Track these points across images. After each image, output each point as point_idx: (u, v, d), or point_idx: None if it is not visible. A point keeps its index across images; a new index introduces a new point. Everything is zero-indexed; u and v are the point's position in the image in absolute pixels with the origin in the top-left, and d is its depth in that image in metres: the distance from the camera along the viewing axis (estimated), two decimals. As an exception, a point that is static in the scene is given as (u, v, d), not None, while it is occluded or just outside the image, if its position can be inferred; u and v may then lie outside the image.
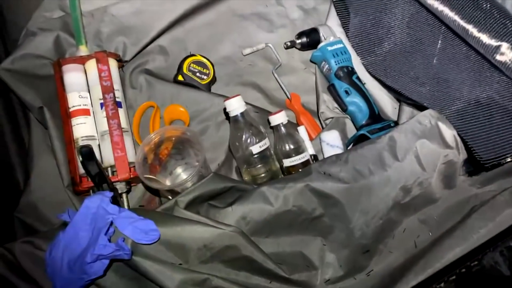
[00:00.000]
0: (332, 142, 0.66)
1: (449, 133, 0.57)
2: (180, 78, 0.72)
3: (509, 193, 0.55)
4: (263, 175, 0.63)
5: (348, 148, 0.68)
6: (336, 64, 0.71)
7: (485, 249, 0.46)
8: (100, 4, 0.73)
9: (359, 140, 0.65)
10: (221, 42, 0.78)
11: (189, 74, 0.72)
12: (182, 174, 0.66)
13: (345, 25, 0.77)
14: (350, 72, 0.71)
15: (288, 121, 0.65)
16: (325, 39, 0.75)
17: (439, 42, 0.73)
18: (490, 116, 0.60)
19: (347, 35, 0.76)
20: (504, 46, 0.61)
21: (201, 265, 0.49)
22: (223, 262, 0.50)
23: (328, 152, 0.66)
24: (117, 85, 0.66)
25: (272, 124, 0.65)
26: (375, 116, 0.69)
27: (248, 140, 0.61)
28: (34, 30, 0.69)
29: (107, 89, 0.64)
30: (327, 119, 0.71)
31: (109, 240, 0.44)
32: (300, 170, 0.60)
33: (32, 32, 0.69)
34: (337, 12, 0.78)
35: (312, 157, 0.66)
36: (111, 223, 0.45)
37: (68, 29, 0.71)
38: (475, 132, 0.59)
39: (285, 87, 0.75)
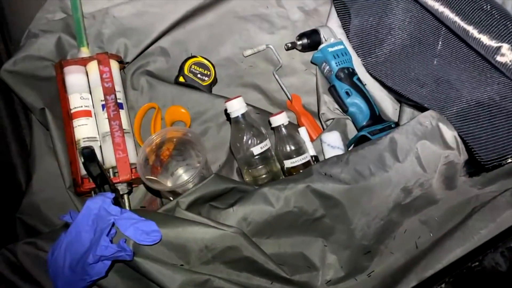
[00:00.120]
0: (333, 143, 0.66)
1: (449, 134, 0.57)
2: (181, 79, 0.72)
3: (510, 194, 0.55)
4: (264, 176, 0.63)
5: (349, 149, 0.68)
6: (336, 65, 0.71)
7: (485, 250, 0.46)
8: (101, 6, 0.73)
9: (360, 141, 0.66)
10: (222, 43, 0.78)
11: (190, 75, 0.72)
12: (183, 175, 0.66)
13: (345, 26, 0.77)
14: (350, 73, 0.71)
15: (289, 122, 0.65)
16: (325, 40, 0.75)
17: (440, 43, 0.73)
18: (490, 117, 0.60)
19: (347, 36, 0.77)
20: (505, 47, 0.61)
21: (203, 266, 0.50)
22: (225, 263, 0.50)
23: (329, 153, 0.66)
24: (118, 87, 0.66)
25: (273, 125, 0.65)
26: (376, 117, 0.69)
27: (249, 141, 0.61)
28: (36, 31, 0.69)
29: (108, 91, 0.64)
30: (327, 120, 0.71)
31: (111, 241, 0.44)
32: (301, 171, 0.61)
33: (34, 34, 0.69)
34: (337, 13, 0.78)
35: (313, 158, 0.66)
36: (113, 224, 0.45)
37: (69, 30, 0.71)
38: (476, 133, 0.59)
39: (286, 88, 0.76)
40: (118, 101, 0.65)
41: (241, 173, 0.66)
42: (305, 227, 0.55)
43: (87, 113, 0.64)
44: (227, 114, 0.64)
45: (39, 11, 0.72)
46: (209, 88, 0.73)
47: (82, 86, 0.66)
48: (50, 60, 0.68)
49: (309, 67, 0.79)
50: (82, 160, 0.50)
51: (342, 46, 0.74)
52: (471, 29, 0.65)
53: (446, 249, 0.52)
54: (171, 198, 0.61)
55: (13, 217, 0.62)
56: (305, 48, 0.77)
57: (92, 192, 0.61)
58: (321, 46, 0.74)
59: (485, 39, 0.63)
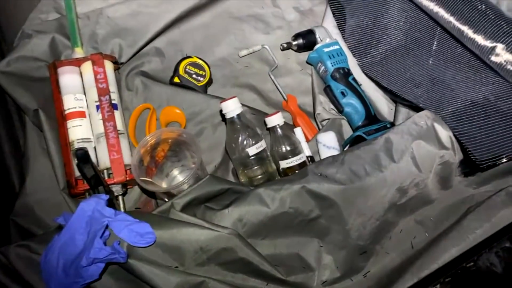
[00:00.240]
0: (329, 144, 0.66)
1: (445, 134, 0.57)
2: (176, 80, 0.72)
3: (505, 193, 0.55)
4: (259, 176, 0.63)
5: (345, 149, 0.68)
6: (332, 66, 0.71)
7: (480, 250, 0.46)
8: (95, 6, 0.73)
9: (355, 141, 0.66)
10: (217, 43, 0.78)
11: (185, 76, 0.72)
12: (178, 176, 0.66)
13: (341, 27, 0.77)
14: (346, 74, 0.71)
15: (285, 122, 0.65)
16: (321, 40, 0.75)
17: (435, 43, 0.74)
18: (485, 117, 0.61)
19: (343, 37, 0.77)
20: (499, 47, 0.61)
21: (197, 268, 0.49)
22: (220, 264, 0.50)
23: (325, 153, 0.66)
24: (113, 87, 0.66)
25: (268, 126, 0.64)
26: (371, 117, 0.69)
27: (245, 142, 0.61)
28: (30, 32, 0.69)
29: (103, 91, 0.64)
30: (323, 120, 0.71)
31: (105, 243, 0.44)
32: (296, 171, 0.60)
33: (28, 34, 0.69)
34: (333, 14, 0.78)
35: (309, 158, 0.66)
36: (107, 226, 0.45)
37: (63, 31, 0.71)
38: (471, 133, 0.59)
39: (281, 89, 0.75)
40: (113, 102, 0.64)
41: (237, 174, 0.66)
42: (301, 227, 0.55)
43: (81, 114, 0.64)
44: (223, 115, 0.64)
45: (32, 11, 0.71)
46: (204, 89, 0.73)
47: (76, 87, 0.65)
48: (44, 61, 0.68)
49: (305, 67, 0.79)
50: (76, 161, 0.50)
51: (337, 46, 0.74)
52: (466, 29, 0.65)
53: (441, 249, 0.52)
54: (166, 199, 0.60)
55: (7, 219, 0.62)
56: (300, 48, 0.77)
57: (87, 193, 0.61)
58: (316, 46, 0.74)
59: (479, 39, 0.63)
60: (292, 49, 0.79)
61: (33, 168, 0.65)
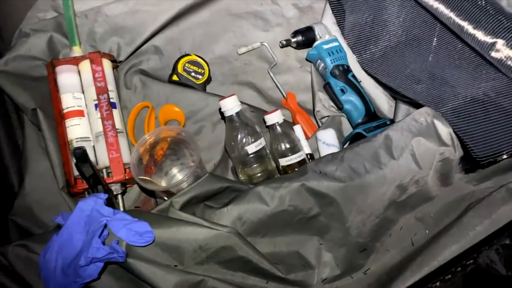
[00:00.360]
0: (328, 141, 0.66)
1: (445, 130, 0.57)
2: (175, 78, 0.71)
3: (505, 190, 0.55)
4: (259, 174, 0.63)
5: (344, 146, 0.68)
6: (331, 63, 0.71)
7: (480, 247, 0.45)
8: (93, 4, 0.73)
9: (355, 138, 0.65)
10: (216, 41, 0.78)
11: (184, 74, 0.71)
12: (177, 174, 0.66)
13: (340, 23, 0.77)
14: (345, 70, 0.71)
15: (284, 120, 0.65)
16: (320, 37, 0.75)
17: (435, 39, 0.73)
18: (486, 113, 0.60)
19: (342, 33, 0.76)
20: (500, 43, 0.61)
21: (197, 267, 0.49)
22: (219, 263, 0.50)
23: (324, 151, 0.65)
24: (111, 86, 0.66)
25: (267, 124, 0.64)
26: (371, 114, 0.68)
27: (244, 140, 0.61)
28: (27, 31, 0.69)
29: (101, 90, 0.64)
30: (323, 117, 0.71)
31: (103, 243, 0.44)
32: (296, 169, 0.60)
33: (25, 33, 0.69)
34: (332, 10, 0.77)
35: (308, 156, 0.66)
36: (105, 226, 0.45)
37: (61, 29, 0.70)
38: (471, 129, 0.58)
39: (280, 86, 0.75)
40: (111, 100, 0.64)
41: (236, 172, 0.65)
42: (300, 225, 0.55)
43: (80, 113, 0.64)
44: (222, 113, 0.64)
45: (30, 10, 0.71)
46: (203, 87, 0.73)
47: (75, 86, 0.65)
48: (42, 60, 0.68)
49: (304, 65, 0.78)
50: (74, 161, 0.50)
51: (337, 43, 0.73)
52: (466, 25, 0.64)
53: (441, 245, 0.51)
54: (166, 198, 0.60)
55: (6, 219, 0.62)
56: (299, 46, 0.77)
57: (86, 192, 0.61)
58: (315, 43, 0.74)
59: (480, 35, 0.63)
60: (291, 46, 0.78)
61: (32, 168, 0.64)
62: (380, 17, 0.76)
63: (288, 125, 0.67)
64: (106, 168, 0.62)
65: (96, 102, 0.63)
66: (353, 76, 0.71)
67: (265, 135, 0.66)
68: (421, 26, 0.74)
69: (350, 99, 0.69)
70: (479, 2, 0.63)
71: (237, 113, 0.61)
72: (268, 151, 0.65)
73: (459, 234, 0.52)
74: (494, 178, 0.57)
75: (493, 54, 0.62)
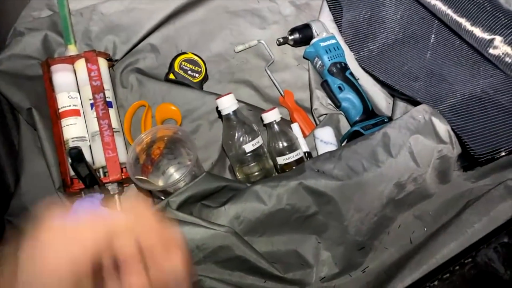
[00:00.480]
0: (326, 139, 0.66)
1: (443, 128, 0.57)
2: (171, 76, 0.71)
3: (503, 187, 0.55)
4: (256, 173, 0.62)
5: (342, 144, 0.67)
6: (329, 60, 0.71)
7: (479, 246, 0.45)
8: (89, 3, 0.72)
9: (353, 136, 0.65)
10: (212, 39, 0.77)
11: (181, 72, 0.71)
12: (174, 174, 0.66)
13: (337, 21, 0.76)
14: (343, 68, 0.71)
15: (282, 118, 0.64)
16: (317, 35, 0.74)
17: (432, 36, 0.73)
18: (484, 110, 0.60)
19: (340, 31, 0.76)
20: (497, 39, 0.61)
21: (194, 266, 0.49)
22: (216, 262, 0.50)
23: (322, 149, 0.65)
24: (107, 85, 0.65)
25: (265, 122, 0.64)
26: (369, 112, 0.68)
27: (241, 139, 0.61)
28: (22, 30, 0.68)
29: (97, 89, 0.63)
30: (320, 115, 0.71)
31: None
32: (294, 167, 0.60)
33: (20, 32, 0.68)
34: (329, 8, 0.77)
35: (306, 154, 0.65)
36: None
37: (56, 28, 0.70)
38: (469, 126, 0.58)
39: (278, 84, 0.75)
40: (107, 99, 0.64)
41: (234, 171, 0.65)
42: (298, 224, 0.55)
43: (76, 112, 0.63)
44: (219, 112, 0.63)
45: (24, 8, 0.70)
46: (200, 85, 0.72)
47: (70, 85, 0.64)
48: (37, 59, 0.67)
49: (301, 62, 0.78)
50: (70, 161, 0.49)
51: (334, 41, 0.73)
52: (463, 21, 0.64)
53: (440, 243, 0.51)
54: (163, 198, 0.60)
55: (2, 219, 0.61)
56: (297, 43, 0.76)
57: (82, 192, 0.60)
58: (313, 41, 0.73)
59: (477, 31, 0.63)
60: (289, 44, 0.78)
61: (27, 168, 0.64)
62: (378, 14, 0.75)
63: (285, 123, 0.67)
64: (103, 167, 0.61)
65: (92, 101, 0.63)
66: (351, 73, 0.71)
67: (263, 134, 0.65)
68: (419, 23, 0.74)
69: (347, 96, 0.69)
70: (477, -1, 0.63)
71: (234, 111, 0.61)
72: (265, 149, 0.64)
73: (458, 231, 0.52)
74: (492, 175, 0.57)
75: (491, 51, 0.62)
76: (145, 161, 0.61)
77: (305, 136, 0.68)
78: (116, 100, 0.69)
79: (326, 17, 0.77)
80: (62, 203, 0.60)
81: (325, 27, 0.75)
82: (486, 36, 0.62)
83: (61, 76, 0.64)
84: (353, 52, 0.74)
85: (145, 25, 0.73)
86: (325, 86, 0.71)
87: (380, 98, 0.72)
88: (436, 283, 0.43)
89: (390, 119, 0.67)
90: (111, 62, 0.71)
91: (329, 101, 0.72)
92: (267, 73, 0.76)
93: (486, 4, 0.62)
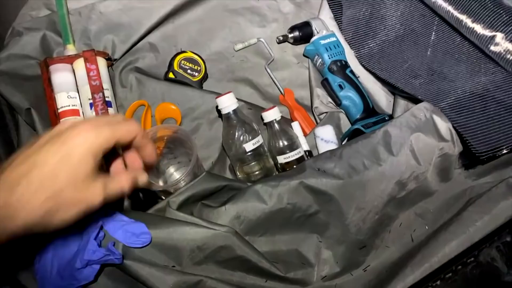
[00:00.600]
0: (327, 137, 0.65)
1: (444, 126, 0.57)
2: (171, 75, 0.71)
3: (505, 184, 0.54)
4: (257, 172, 0.62)
5: (343, 143, 0.67)
6: (329, 58, 0.70)
7: (481, 245, 0.45)
8: (87, 2, 0.71)
9: (353, 134, 0.65)
10: (212, 38, 0.77)
11: (180, 71, 0.71)
12: (174, 173, 0.65)
13: (338, 18, 0.76)
14: (343, 66, 0.70)
15: (282, 117, 0.64)
16: (317, 32, 0.74)
17: (433, 33, 0.72)
18: (485, 108, 0.60)
19: (340, 28, 0.75)
20: (499, 36, 0.60)
21: (195, 267, 0.49)
22: (217, 263, 0.50)
23: (323, 147, 0.65)
24: (106, 85, 0.65)
25: (265, 121, 0.64)
26: (370, 110, 0.68)
27: (241, 138, 0.60)
28: (20, 29, 0.68)
29: (96, 89, 0.63)
30: (321, 114, 0.71)
31: (100, 245, 0.43)
32: (294, 166, 0.60)
33: (18, 32, 0.68)
34: (329, 5, 0.77)
35: (307, 153, 0.65)
36: (101, 227, 0.44)
37: (54, 28, 0.69)
38: (471, 124, 0.58)
39: (278, 83, 0.74)
40: (107, 99, 0.63)
41: (234, 170, 0.65)
42: (299, 223, 0.55)
43: (75, 112, 0.63)
44: (218, 111, 0.63)
45: (22, 8, 0.70)
46: (199, 84, 0.72)
47: (69, 85, 0.64)
48: (35, 59, 0.67)
49: (302, 60, 0.77)
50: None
51: (334, 39, 0.72)
52: (464, 18, 0.64)
53: (441, 242, 0.51)
54: (163, 197, 0.60)
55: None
56: (297, 41, 0.76)
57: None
58: (313, 39, 0.73)
59: (478, 28, 0.62)
60: (289, 42, 0.78)
61: (27, 168, 0.64)
62: (378, 12, 0.75)
63: (286, 122, 0.66)
64: (103, 167, 0.61)
65: (91, 101, 0.62)
66: (351, 71, 0.71)
67: (263, 133, 0.65)
68: (419, 20, 0.74)
69: (348, 94, 0.69)
70: (478, -5, 0.62)
71: (234, 110, 0.61)
72: (266, 148, 0.64)
73: (459, 229, 0.51)
74: (494, 173, 0.57)
75: (492, 48, 0.61)
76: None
77: (305, 134, 0.68)
78: (116, 99, 0.69)
79: (326, 14, 0.77)
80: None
81: (325, 24, 0.75)
82: (487, 33, 0.61)
83: (60, 76, 0.64)
84: (353, 50, 0.73)
85: (144, 24, 0.72)
86: (325, 84, 0.71)
87: (381, 96, 0.72)
88: (438, 282, 0.42)
89: (391, 117, 0.67)
90: (110, 62, 0.70)
91: (330, 99, 0.72)
92: (267, 71, 0.75)
93: (487, 0, 0.61)
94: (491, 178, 0.57)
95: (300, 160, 0.62)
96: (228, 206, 0.52)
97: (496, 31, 0.60)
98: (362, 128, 0.63)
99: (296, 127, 0.67)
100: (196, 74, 0.71)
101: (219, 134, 0.66)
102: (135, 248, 0.46)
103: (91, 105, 0.62)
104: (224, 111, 0.61)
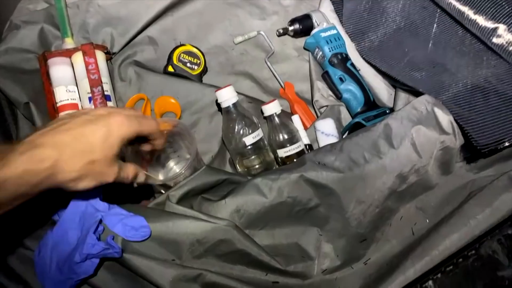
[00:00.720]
0: (327, 131, 0.65)
1: (445, 118, 0.56)
2: (170, 69, 0.70)
3: (506, 177, 0.54)
4: (257, 166, 0.62)
5: (343, 136, 0.67)
6: (330, 51, 0.70)
7: (482, 237, 0.45)
8: (85, -5, 0.71)
9: (354, 128, 0.64)
10: (211, 30, 0.76)
11: (180, 64, 0.70)
12: (174, 167, 0.65)
13: (338, 11, 0.75)
14: (344, 59, 0.70)
15: (282, 110, 0.64)
16: (318, 25, 0.73)
17: (435, 26, 0.72)
18: (487, 100, 0.59)
19: (340, 21, 0.75)
20: (501, 28, 0.60)
21: (195, 260, 0.49)
22: (217, 256, 0.50)
23: (323, 141, 0.64)
24: (105, 78, 0.64)
25: (265, 114, 0.63)
26: (370, 103, 0.67)
27: (241, 131, 0.60)
28: (18, 23, 0.67)
29: (95, 83, 0.62)
30: (321, 107, 0.70)
31: (99, 238, 0.43)
32: (295, 160, 0.59)
33: (16, 25, 0.67)
34: (330, -3, 0.76)
35: (307, 146, 0.65)
36: (101, 221, 0.44)
37: (53, 21, 0.69)
38: (472, 117, 0.57)
39: (278, 76, 0.74)
40: (105, 93, 0.63)
41: (234, 164, 0.65)
42: (300, 217, 0.54)
43: (74, 106, 0.62)
44: (218, 104, 0.62)
45: (20, 1, 0.69)
46: (199, 77, 0.71)
47: (68, 79, 0.64)
48: (33, 52, 0.66)
49: (302, 53, 0.77)
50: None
51: (335, 31, 0.72)
52: (466, 10, 0.63)
53: (442, 235, 0.51)
54: (163, 191, 0.59)
55: None
56: (297, 34, 0.75)
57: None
58: (313, 32, 0.72)
59: (480, 20, 0.61)
60: (289, 35, 0.77)
61: (26, 162, 0.63)
62: (379, 4, 0.74)
63: (286, 115, 0.66)
64: (102, 162, 0.61)
65: (90, 95, 0.62)
66: (352, 64, 0.70)
67: (263, 126, 0.65)
68: (420, 13, 0.73)
69: (349, 88, 0.68)
70: (480, -13, 0.61)
71: (234, 104, 0.60)
72: (266, 142, 0.64)
73: (460, 223, 0.51)
74: (495, 166, 0.57)
75: (494, 40, 0.61)
76: (144, 154, 0.60)
77: (306, 128, 0.68)
78: (115, 93, 0.69)
79: (327, 7, 0.76)
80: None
81: (326, 17, 0.74)
82: (490, 24, 0.61)
83: (59, 69, 0.63)
84: (354, 42, 0.73)
85: (143, 17, 0.72)
86: (326, 77, 0.70)
87: (382, 89, 0.71)
88: (439, 275, 0.42)
89: (392, 110, 0.67)
90: (109, 55, 0.70)
91: (330, 93, 0.71)
92: (267, 64, 0.75)
93: (489, -8, 0.61)
94: (493, 171, 0.56)
95: (300, 153, 0.62)
96: (228, 200, 0.52)
97: (499, 23, 0.60)
98: (362, 121, 0.63)
99: (296, 120, 0.66)
100: (196, 67, 0.71)
101: (219, 128, 0.65)
102: (134, 242, 0.45)
103: (90, 99, 0.62)
104: (223, 105, 0.60)
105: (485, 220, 0.50)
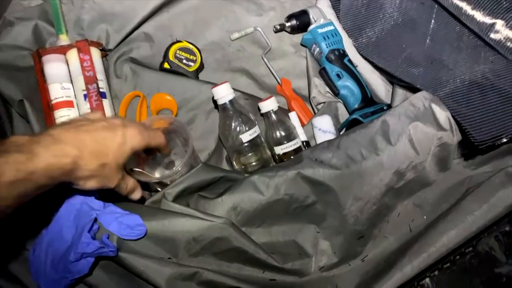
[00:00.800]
0: (324, 128, 0.65)
1: (443, 115, 0.56)
2: (166, 65, 0.69)
3: (504, 174, 0.54)
4: (254, 163, 0.62)
5: (341, 133, 0.66)
6: (327, 47, 0.69)
7: (479, 234, 0.45)
8: (80, -9, 0.70)
9: (351, 124, 0.64)
10: (208, 27, 0.76)
11: (176, 61, 0.70)
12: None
13: (335, 6, 0.75)
14: (341, 55, 0.69)
15: (279, 107, 0.63)
16: (315, 21, 0.73)
17: (432, 21, 0.71)
18: (484, 96, 0.59)
19: (338, 17, 0.74)
20: (499, 23, 0.59)
21: (191, 259, 0.48)
22: (214, 254, 0.49)
23: (320, 137, 0.64)
24: (100, 75, 0.64)
25: (262, 111, 0.63)
26: (368, 99, 0.67)
27: (238, 129, 0.60)
28: (12, 19, 0.66)
29: (90, 80, 0.62)
30: (319, 104, 0.70)
31: (94, 237, 0.43)
32: (291, 157, 0.59)
33: (10, 22, 0.66)
34: (327, -7, 0.75)
35: (304, 143, 0.65)
36: (95, 219, 0.44)
37: (47, 17, 0.68)
38: (470, 113, 0.57)
39: (275, 72, 0.73)
40: (101, 90, 0.62)
41: (231, 161, 0.64)
42: (297, 214, 0.54)
43: (69, 104, 0.62)
44: (215, 101, 0.62)
45: (14, -3, 0.68)
46: (195, 74, 0.71)
47: (63, 76, 0.63)
48: (28, 49, 0.65)
49: (299, 50, 0.76)
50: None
51: (332, 27, 0.71)
52: (464, 5, 0.63)
53: (439, 231, 0.51)
54: (159, 189, 0.59)
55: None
56: (294, 30, 0.75)
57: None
58: (310, 28, 0.72)
59: (478, 15, 0.61)
60: (286, 31, 0.76)
61: (21, 161, 0.63)
62: (376, 0, 0.74)
63: (283, 112, 0.66)
64: (98, 159, 0.60)
65: (85, 92, 0.61)
66: (349, 60, 0.70)
67: (260, 123, 0.64)
68: (418, 9, 0.72)
69: (346, 84, 0.68)
70: (478, -18, 0.61)
71: (230, 101, 0.60)
72: (263, 139, 0.63)
73: (457, 219, 0.51)
74: (493, 162, 0.56)
75: (492, 35, 0.60)
76: (140, 153, 0.60)
77: (303, 125, 0.68)
78: (110, 90, 0.68)
79: (324, 3, 0.75)
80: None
81: (323, 13, 0.74)
82: (487, 20, 0.60)
83: (53, 66, 0.63)
84: (351, 38, 0.72)
85: (138, 13, 0.71)
86: (323, 73, 0.70)
87: (379, 85, 0.71)
88: (436, 272, 0.42)
89: (390, 106, 0.66)
90: (104, 52, 0.69)
91: (328, 89, 0.71)
92: (264, 61, 0.74)
93: (487, -13, 0.60)
94: (490, 168, 0.56)
95: (297, 150, 0.62)
96: (225, 197, 0.52)
97: (496, 18, 0.59)
98: (360, 118, 0.63)
99: (293, 117, 0.66)
100: (192, 64, 0.70)
101: (216, 125, 0.65)
102: (130, 240, 0.45)
103: (85, 96, 0.61)
104: (220, 102, 0.60)
105: (483, 217, 0.50)
